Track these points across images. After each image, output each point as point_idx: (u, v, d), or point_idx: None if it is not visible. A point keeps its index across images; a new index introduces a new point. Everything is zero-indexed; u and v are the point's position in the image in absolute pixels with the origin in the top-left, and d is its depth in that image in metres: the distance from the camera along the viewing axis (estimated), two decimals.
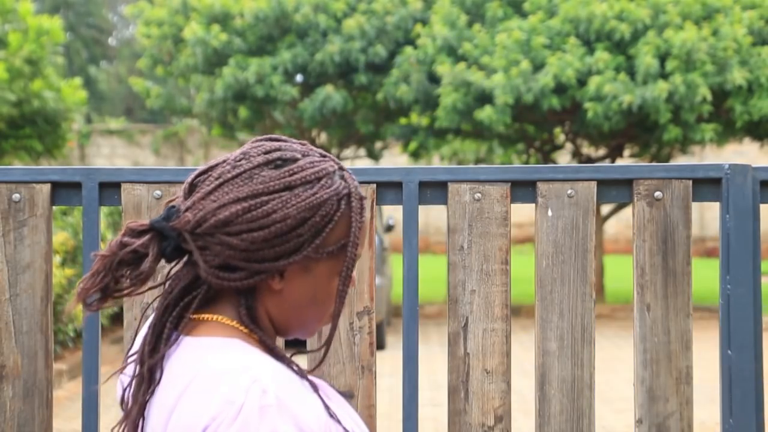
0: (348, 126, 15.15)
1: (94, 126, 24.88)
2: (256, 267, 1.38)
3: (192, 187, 1.43)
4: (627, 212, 17.95)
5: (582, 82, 12.57)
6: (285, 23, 14.04)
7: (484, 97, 12.81)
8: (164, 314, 1.43)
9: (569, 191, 2.13)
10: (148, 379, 1.40)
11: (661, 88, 12.08)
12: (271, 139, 1.46)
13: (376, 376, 2.13)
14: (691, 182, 2.13)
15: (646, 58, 12.21)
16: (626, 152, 15.34)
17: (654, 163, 2.19)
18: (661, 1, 12.74)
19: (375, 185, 2.13)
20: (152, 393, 1.40)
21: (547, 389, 2.12)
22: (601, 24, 12.58)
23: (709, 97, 12.28)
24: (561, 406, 2.12)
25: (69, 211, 9.87)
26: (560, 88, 12.59)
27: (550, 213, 2.13)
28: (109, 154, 23.86)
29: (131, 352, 1.48)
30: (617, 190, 2.16)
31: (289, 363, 1.43)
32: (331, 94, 13.74)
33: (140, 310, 2.09)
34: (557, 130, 14.87)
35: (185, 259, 1.43)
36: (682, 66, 12.31)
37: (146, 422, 1.41)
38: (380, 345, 10.67)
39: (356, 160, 17.68)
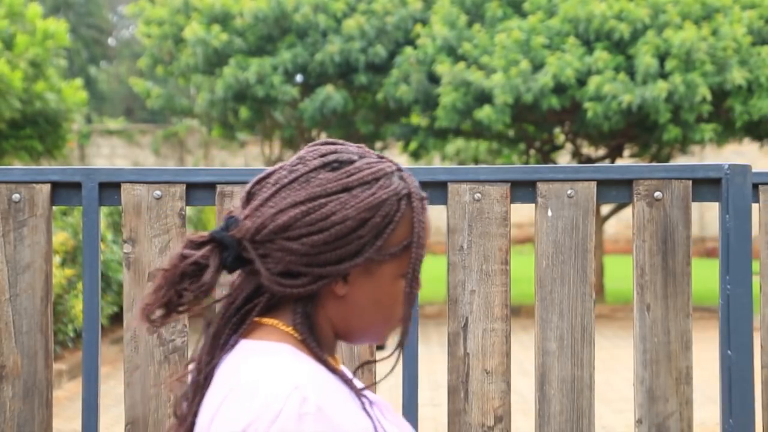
0: (348, 126, 15.15)
1: (94, 126, 24.87)
2: (318, 271, 1.37)
3: (249, 196, 1.41)
4: (627, 212, 17.94)
5: (581, 82, 12.57)
6: (285, 23, 14.04)
7: (484, 97, 12.81)
8: (226, 324, 1.41)
9: (569, 191, 2.13)
10: (202, 386, 1.40)
11: (661, 87, 12.07)
12: (327, 143, 1.45)
13: (376, 376, 2.12)
14: (690, 182, 2.13)
15: (645, 58, 12.21)
16: (626, 152, 15.34)
17: (654, 164, 2.19)
18: (660, 1, 12.73)
19: None
20: (203, 396, 1.40)
21: (547, 389, 2.12)
22: (601, 24, 12.58)
23: (709, 97, 12.27)
24: (561, 406, 2.12)
25: (69, 211, 9.86)
26: (560, 88, 12.59)
27: (550, 213, 2.13)
28: (109, 155, 23.86)
29: (191, 360, 1.46)
30: (617, 190, 2.16)
31: (341, 375, 1.41)
32: (331, 94, 13.75)
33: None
34: (557, 130, 14.87)
35: (247, 269, 1.41)
36: (682, 66, 12.30)
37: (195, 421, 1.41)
38: (380, 345, 10.66)
39: None
